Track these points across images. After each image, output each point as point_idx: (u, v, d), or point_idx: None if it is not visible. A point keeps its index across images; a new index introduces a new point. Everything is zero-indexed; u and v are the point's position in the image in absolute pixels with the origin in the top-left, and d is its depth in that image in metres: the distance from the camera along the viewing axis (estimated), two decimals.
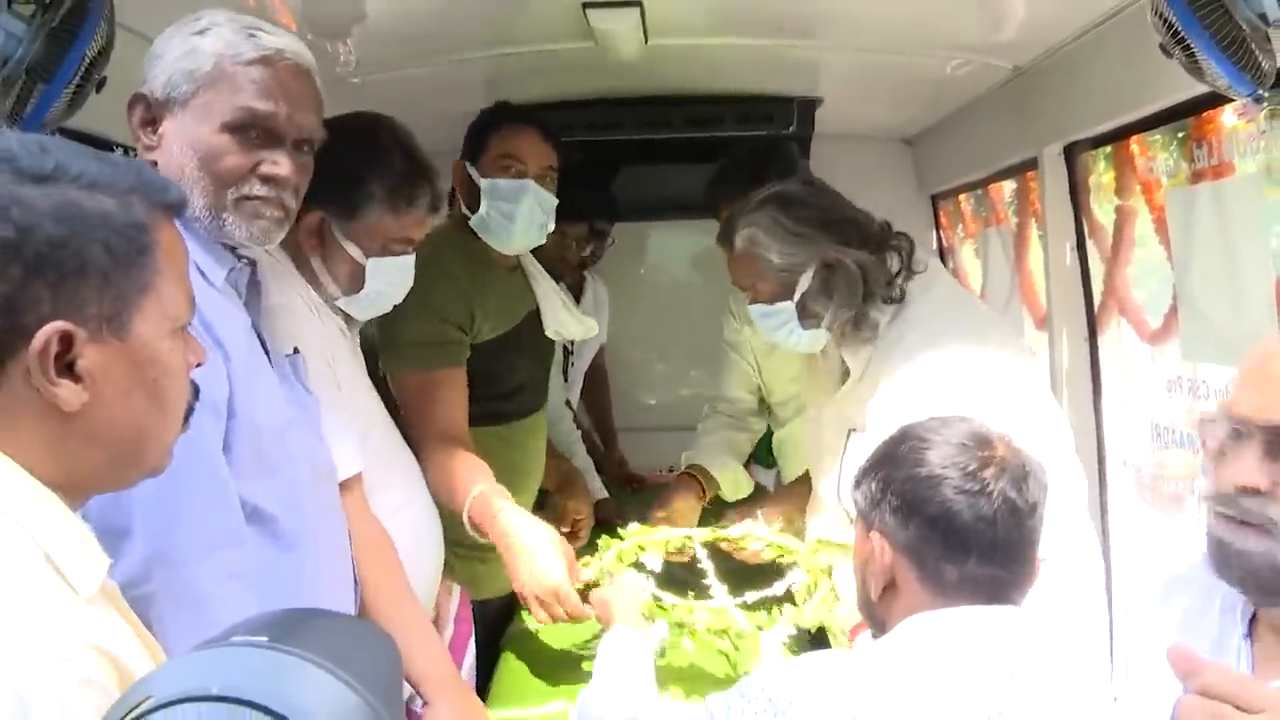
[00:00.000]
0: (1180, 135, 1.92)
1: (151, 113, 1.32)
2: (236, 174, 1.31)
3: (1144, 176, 2.08)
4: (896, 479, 1.23)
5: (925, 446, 1.23)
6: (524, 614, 2.21)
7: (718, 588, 1.95)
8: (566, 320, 2.30)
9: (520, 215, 2.04)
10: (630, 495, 2.99)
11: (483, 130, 2.10)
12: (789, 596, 1.96)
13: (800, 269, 1.78)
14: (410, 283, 1.76)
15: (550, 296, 2.27)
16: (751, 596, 1.94)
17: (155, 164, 1.31)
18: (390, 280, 1.72)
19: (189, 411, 0.93)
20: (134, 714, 0.42)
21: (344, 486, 1.54)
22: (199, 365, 0.94)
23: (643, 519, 2.18)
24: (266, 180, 1.33)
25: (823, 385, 1.98)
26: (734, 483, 2.47)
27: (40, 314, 0.78)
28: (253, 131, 1.32)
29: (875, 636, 1.29)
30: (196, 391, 0.94)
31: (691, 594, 1.94)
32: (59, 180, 0.81)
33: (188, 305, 0.91)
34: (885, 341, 1.79)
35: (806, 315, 1.80)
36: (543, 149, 2.08)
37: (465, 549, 2.02)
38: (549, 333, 2.28)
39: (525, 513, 1.89)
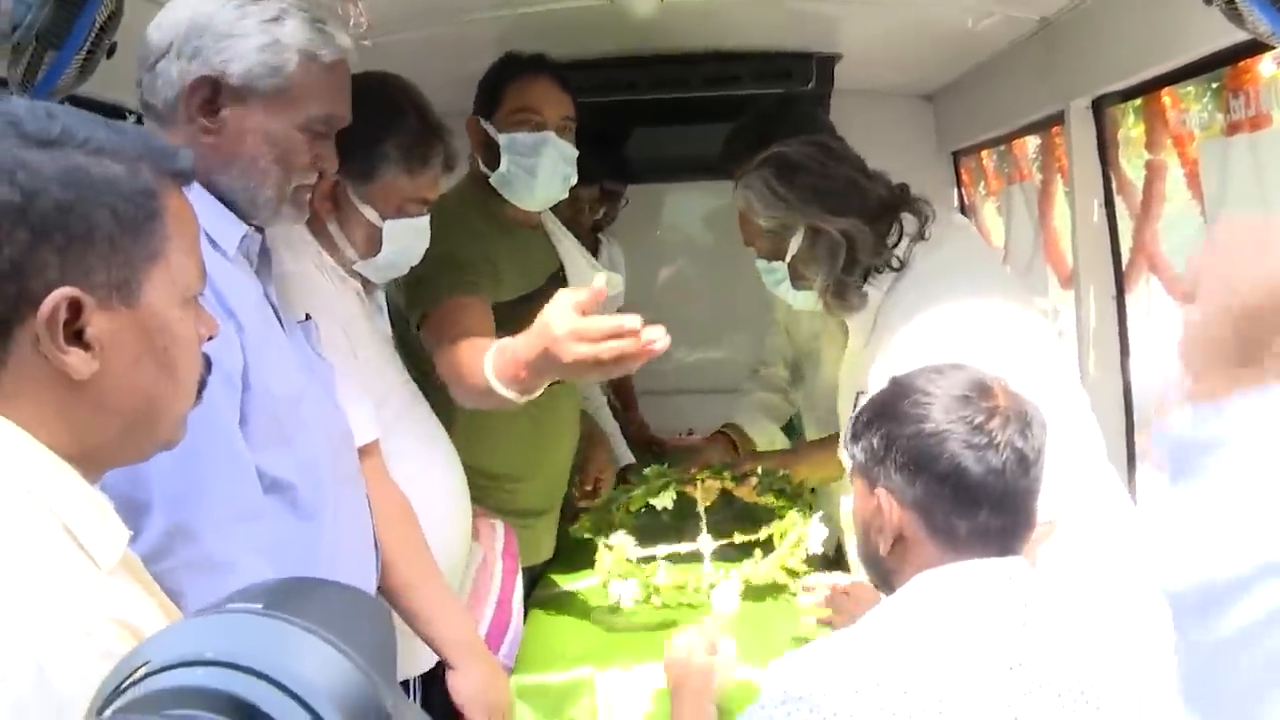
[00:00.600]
0: (1215, 86, 1.87)
1: (217, 96, 1.29)
2: (303, 169, 1.35)
3: (1176, 129, 2.03)
4: (901, 436, 1.21)
5: (928, 401, 1.21)
6: (553, 577, 2.22)
7: (705, 538, 2.07)
8: (592, 277, 2.25)
9: (542, 168, 1.99)
10: (653, 460, 2.96)
11: (496, 83, 2.04)
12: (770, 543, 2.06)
13: (788, 232, 1.81)
14: (426, 243, 1.73)
15: (574, 254, 2.24)
16: (739, 539, 2.04)
17: (210, 148, 1.29)
18: (407, 242, 1.70)
19: (202, 384, 0.92)
20: (130, 680, 0.41)
21: (362, 453, 1.53)
22: (211, 338, 0.93)
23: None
24: (317, 171, 1.37)
25: (838, 346, 1.99)
26: (769, 444, 2.45)
27: (48, 280, 0.77)
28: (318, 129, 1.35)
29: (881, 589, 1.30)
30: (209, 364, 0.93)
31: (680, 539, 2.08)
32: (65, 145, 0.79)
33: (198, 275, 0.89)
34: (887, 304, 1.79)
35: (797, 277, 1.84)
36: (560, 98, 2.03)
37: (504, 514, 2.01)
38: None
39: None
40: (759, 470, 2.23)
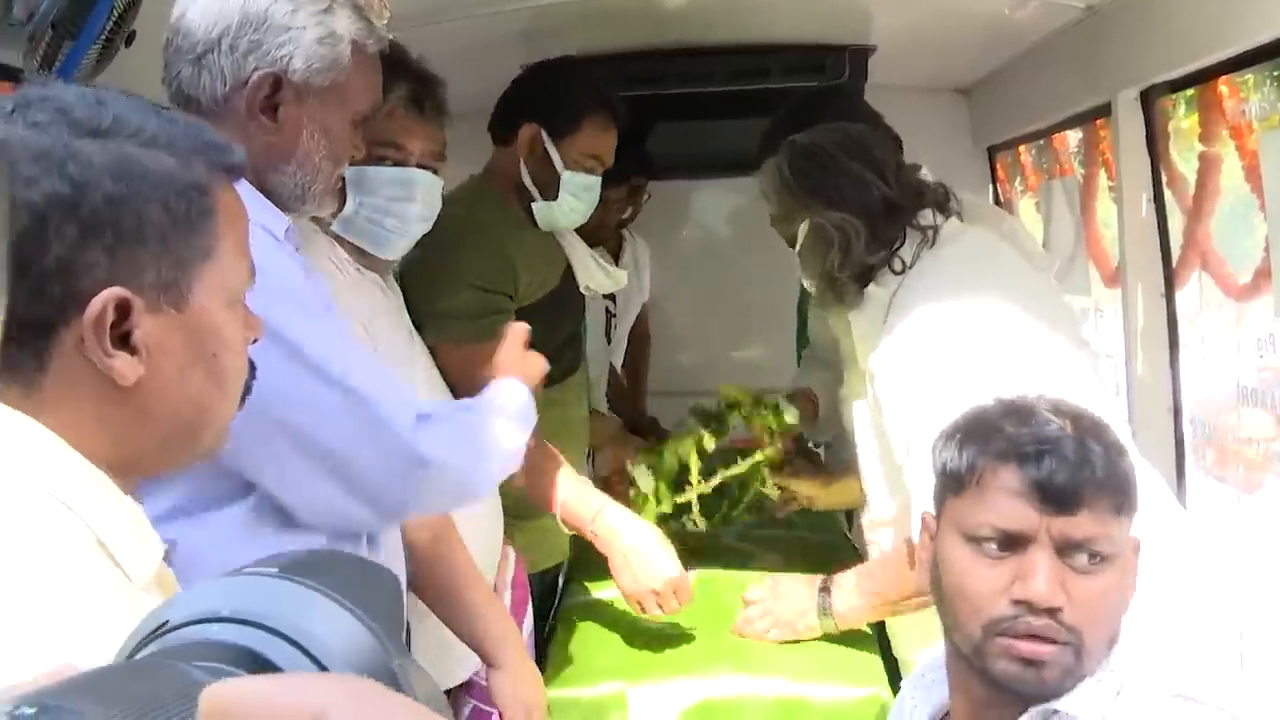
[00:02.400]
0: (1277, 74, 1.78)
1: (279, 93, 1.22)
2: (348, 160, 1.31)
3: (1233, 120, 1.95)
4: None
5: None
6: (584, 584, 2.17)
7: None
8: (596, 273, 2.22)
9: (585, 209, 2.02)
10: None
11: (577, 110, 1.98)
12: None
13: (794, 222, 1.81)
14: (416, 203, 1.59)
15: (579, 250, 2.19)
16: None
17: (269, 146, 1.23)
18: (381, 194, 1.56)
19: (246, 389, 0.86)
20: (150, 637, 0.43)
21: None
22: (255, 341, 0.87)
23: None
24: (350, 160, 1.33)
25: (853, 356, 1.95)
26: (827, 419, 2.37)
27: (96, 279, 0.72)
28: (363, 120, 1.31)
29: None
30: (253, 369, 0.87)
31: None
32: (117, 135, 0.74)
33: (247, 275, 0.84)
34: (894, 306, 1.73)
35: (803, 268, 1.85)
36: (614, 146, 2.04)
37: (522, 520, 1.96)
38: (581, 287, 2.21)
39: (624, 509, 1.88)
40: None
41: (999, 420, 1.06)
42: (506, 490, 1.80)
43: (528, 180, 1.99)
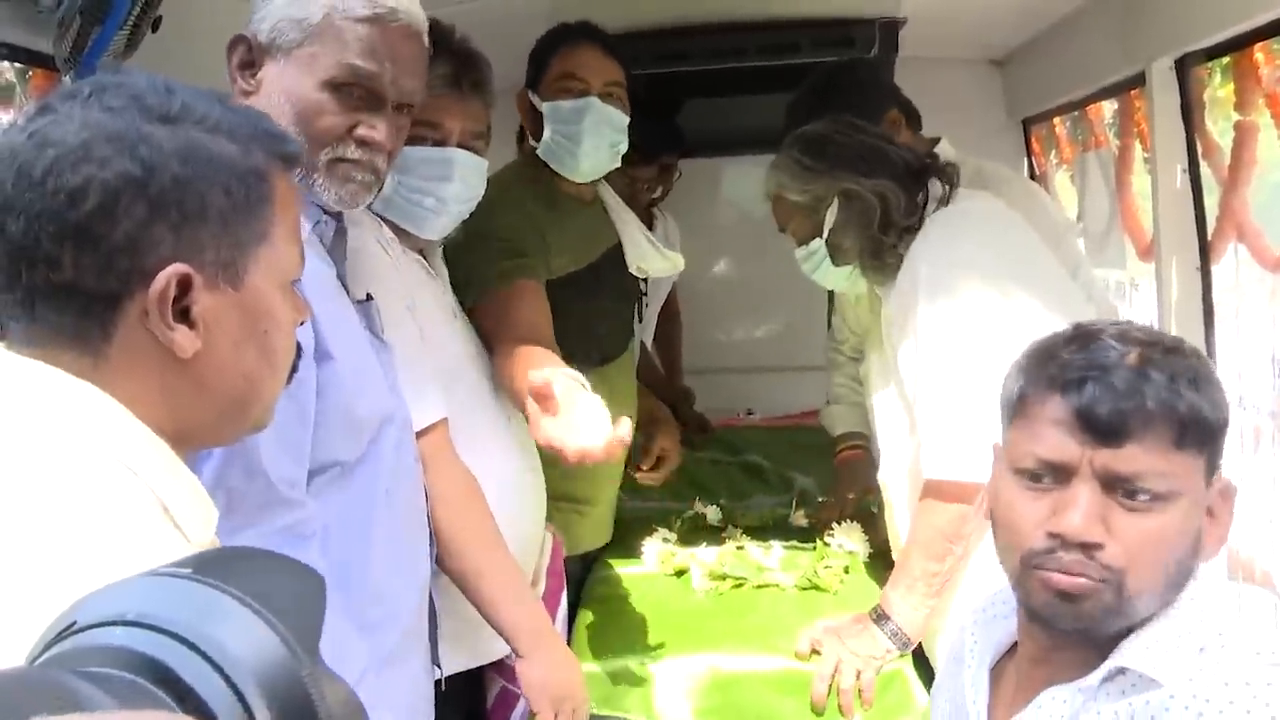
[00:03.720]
0: None
1: (252, 55, 1.26)
2: (333, 134, 1.26)
3: (1270, 88, 1.90)
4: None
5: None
6: (609, 562, 2.19)
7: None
8: (650, 254, 2.17)
9: (586, 136, 1.91)
10: (697, 444, 2.89)
11: (542, 53, 1.98)
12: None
13: (822, 204, 1.82)
14: (456, 182, 1.59)
15: (632, 230, 2.16)
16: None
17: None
18: (420, 173, 1.57)
19: (293, 369, 0.91)
20: (58, 639, 0.43)
21: (427, 433, 1.48)
22: (302, 323, 0.91)
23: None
24: (361, 143, 1.27)
25: (877, 338, 1.95)
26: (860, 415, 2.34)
27: (160, 255, 0.76)
28: (354, 91, 1.26)
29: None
30: (300, 350, 0.92)
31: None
32: (184, 121, 0.78)
33: (299, 260, 0.88)
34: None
35: (836, 252, 1.85)
36: (604, 63, 1.95)
37: (564, 502, 1.96)
38: (632, 269, 2.16)
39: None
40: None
41: (1058, 347, 1.01)
42: (551, 474, 1.81)
43: (529, 137, 1.99)
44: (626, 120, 1.96)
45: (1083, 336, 1.01)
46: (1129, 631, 0.97)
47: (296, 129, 1.23)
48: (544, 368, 1.41)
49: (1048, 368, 1.00)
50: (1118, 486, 0.95)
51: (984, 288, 1.67)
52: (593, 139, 1.92)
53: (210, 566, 0.44)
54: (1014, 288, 1.68)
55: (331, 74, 1.24)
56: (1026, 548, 0.98)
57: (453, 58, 1.59)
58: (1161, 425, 0.94)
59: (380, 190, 1.37)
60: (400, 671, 1.34)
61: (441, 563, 1.51)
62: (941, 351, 1.67)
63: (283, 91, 1.24)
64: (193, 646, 0.40)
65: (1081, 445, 0.96)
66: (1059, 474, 0.97)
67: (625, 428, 1.31)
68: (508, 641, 1.54)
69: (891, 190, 1.79)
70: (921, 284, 1.70)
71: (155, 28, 1.39)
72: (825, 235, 1.84)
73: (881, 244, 1.80)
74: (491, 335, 1.75)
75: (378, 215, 1.60)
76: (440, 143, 1.58)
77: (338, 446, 1.25)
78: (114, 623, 0.41)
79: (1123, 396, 0.94)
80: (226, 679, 0.40)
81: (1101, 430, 0.94)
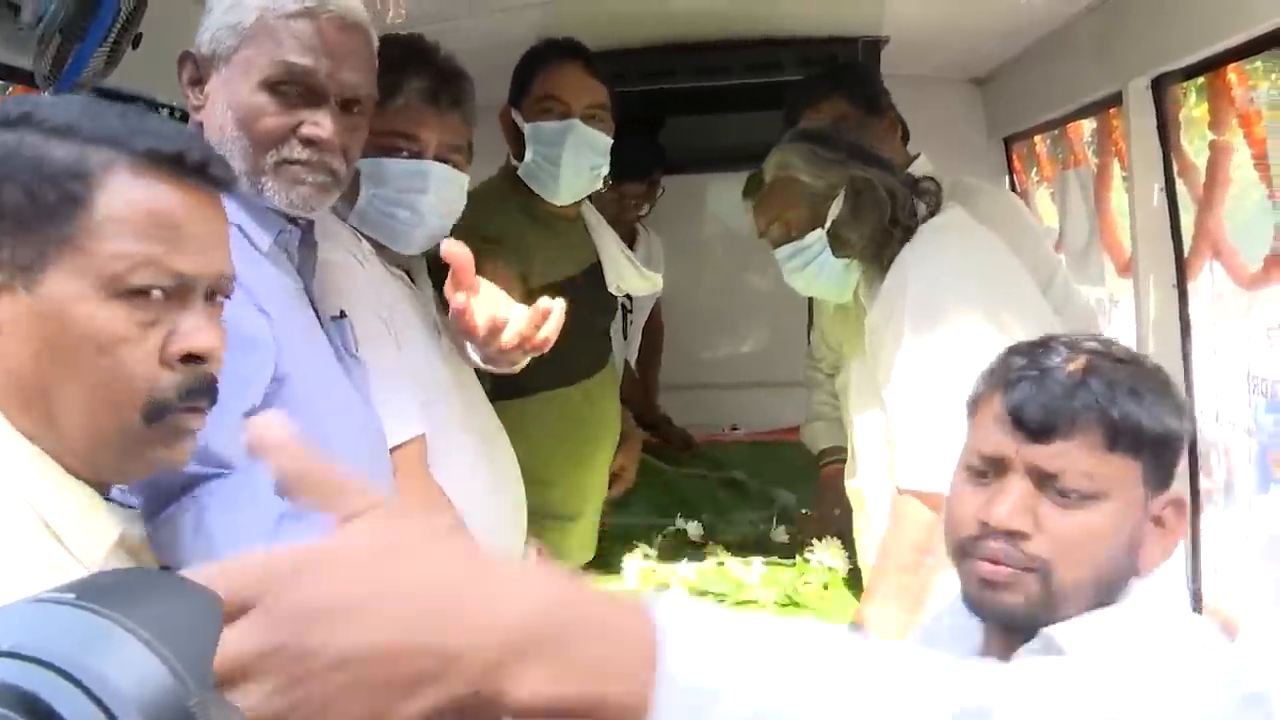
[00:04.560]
0: None
1: (199, 70, 1.26)
2: (275, 135, 1.23)
3: (1243, 108, 1.93)
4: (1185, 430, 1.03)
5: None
6: (595, 576, 2.18)
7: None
8: (629, 273, 2.18)
9: (566, 159, 1.91)
10: (681, 460, 2.90)
11: (525, 71, 1.98)
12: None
13: (831, 191, 1.81)
14: (432, 196, 1.58)
15: (611, 248, 2.17)
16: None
17: (202, 125, 1.26)
18: (393, 185, 1.55)
19: (192, 392, 0.82)
20: None
21: (401, 449, 1.46)
22: (191, 356, 0.82)
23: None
24: (307, 143, 1.24)
25: (859, 345, 1.94)
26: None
27: None
28: (292, 89, 1.23)
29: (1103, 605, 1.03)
30: (210, 385, 0.84)
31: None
32: (21, 125, 0.77)
33: (160, 270, 0.80)
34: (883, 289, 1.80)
35: (838, 244, 1.82)
36: (587, 84, 1.95)
37: (548, 518, 1.96)
38: (610, 287, 2.17)
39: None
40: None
41: (1015, 352, 1.06)
42: (534, 490, 1.80)
43: (513, 157, 1.99)
44: (609, 142, 1.96)
45: (1039, 344, 1.05)
46: None
47: (239, 134, 1.22)
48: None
49: (998, 370, 1.05)
50: (1047, 482, 0.99)
51: (968, 305, 1.69)
52: (573, 162, 1.92)
53: (94, 591, 0.42)
54: (996, 305, 1.70)
55: (266, 74, 1.22)
56: (960, 536, 1.03)
57: (432, 72, 1.58)
58: (1091, 428, 0.97)
59: (340, 191, 1.34)
60: None
61: None
62: (922, 363, 1.69)
63: (225, 100, 1.23)
64: (71, 678, 0.38)
65: (1015, 441, 1.00)
66: (996, 468, 1.02)
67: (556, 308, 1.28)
68: None
69: (899, 188, 1.82)
70: (909, 296, 1.72)
71: (136, 45, 1.39)
72: (828, 226, 1.82)
73: (889, 237, 1.80)
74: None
75: (356, 229, 1.59)
76: (416, 155, 1.57)
77: None
78: None
79: (1054, 397, 0.99)
80: (107, 713, 0.38)
81: (1031, 427, 0.99)
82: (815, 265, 1.86)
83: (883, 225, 1.80)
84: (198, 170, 0.83)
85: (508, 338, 1.26)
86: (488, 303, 1.27)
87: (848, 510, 2.21)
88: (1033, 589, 0.98)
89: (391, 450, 1.44)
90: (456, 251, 1.23)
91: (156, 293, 0.79)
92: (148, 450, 0.81)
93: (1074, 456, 0.97)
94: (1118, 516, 0.98)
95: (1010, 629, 1.01)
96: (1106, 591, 0.99)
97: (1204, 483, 2.15)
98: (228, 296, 0.88)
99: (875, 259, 1.82)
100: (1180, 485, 1.70)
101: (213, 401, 0.84)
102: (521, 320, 1.27)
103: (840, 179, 1.81)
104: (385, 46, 1.47)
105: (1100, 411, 0.97)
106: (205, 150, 0.84)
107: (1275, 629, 1.29)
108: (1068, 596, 0.98)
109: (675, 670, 0.48)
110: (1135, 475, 0.99)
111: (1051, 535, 0.98)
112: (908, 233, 1.80)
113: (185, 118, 1.86)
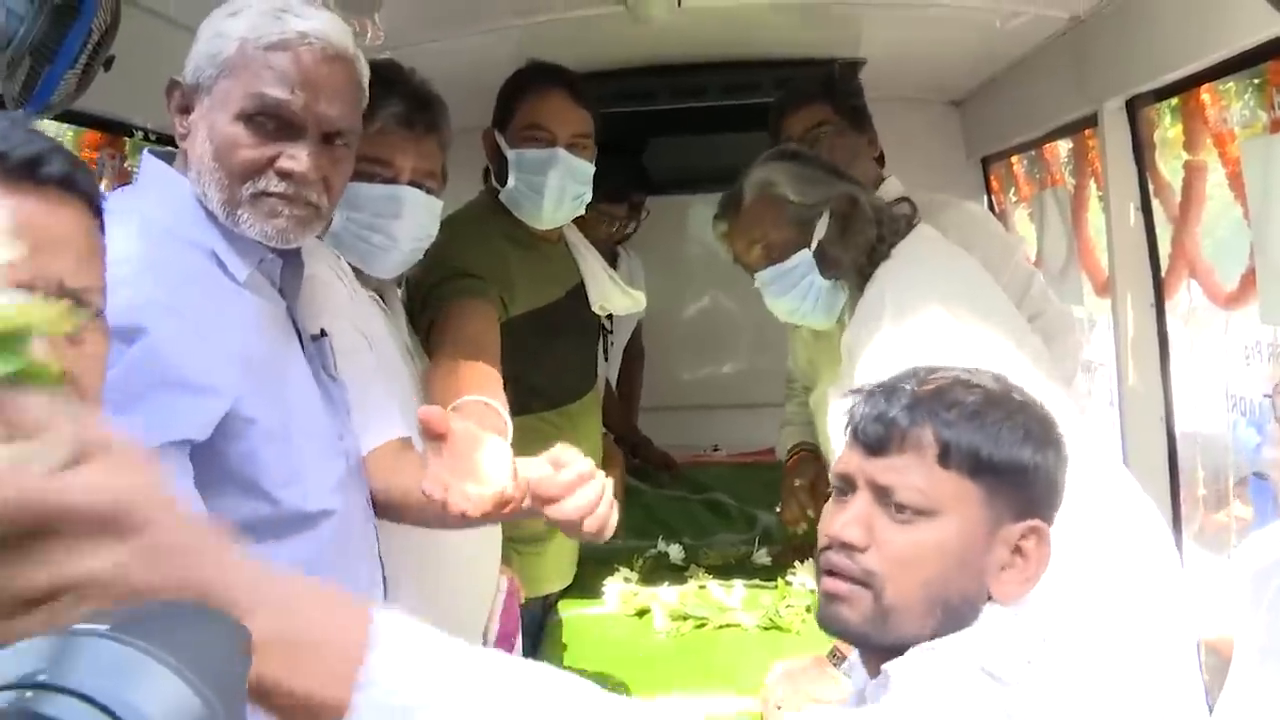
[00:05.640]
0: (1257, 82, 1.78)
1: (185, 100, 1.24)
2: (251, 168, 1.20)
3: (1216, 128, 1.94)
4: (1061, 456, 1.03)
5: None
6: (574, 601, 2.16)
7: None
8: (613, 292, 2.17)
9: (550, 188, 1.90)
10: (662, 482, 2.89)
11: (510, 95, 1.97)
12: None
13: (817, 210, 1.77)
14: (408, 221, 1.57)
15: (595, 268, 2.15)
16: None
17: (187, 152, 1.24)
18: (368, 210, 1.54)
19: None
20: None
21: (387, 450, 1.42)
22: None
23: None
24: (284, 175, 1.21)
25: (833, 365, 1.91)
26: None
27: None
28: (269, 122, 1.20)
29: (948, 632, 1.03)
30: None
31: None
32: None
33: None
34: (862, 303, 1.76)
35: (826, 264, 1.77)
36: (574, 114, 1.94)
37: (521, 544, 1.93)
38: (595, 307, 2.16)
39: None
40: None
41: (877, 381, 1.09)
42: (509, 534, 1.78)
43: (493, 179, 1.98)
44: (591, 170, 1.96)
45: (907, 373, 1.07)
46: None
47: (216, 165, 1.20)
48: (470, 393, 1.38)
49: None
50: (884, 497, 1.00)
51: (943, 321, 1.66)
52: (556, 191, 1.92)
53: (127, 622, 0.42)
54: (975, 316, 1.68)
55: (242, 106, 1.20)
56: (818, 552, 1.05)
57: (406, 96, 1.57)
58: (923, 444, 0.99)
59: (325, 225, 1.32)
60: None
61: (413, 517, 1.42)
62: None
63: (205, 131, 1.21)
64: (105, 709, 0.39)
65: (858, 456, 1.03)
66: (848, 485, 1.04)
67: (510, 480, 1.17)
68: None
69: (882, 204, 1.80)
70: (886, 313, 1.69)
71: (108, 67, 1.38)
72: (814, 246, 1.77)
73: (875, 254, 1.75)
74: (435, 350, 1.69)
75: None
76: (391, 180, 1.56)
77: (257, 503, 1.20)
78: (21, 685, 0.39)
79: (890, 413, 1.01)
80: None
81: (868, 442, 1.02)
82: (800, 289, 1.80)
83: (870, 243, 1.76)
84: (25, 169, 0.79)
85: (477, 510, 1.15)
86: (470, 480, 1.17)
87: (817, 482, 2.18)
88: (865, 604, 0.99)
89: (380, 448, 1.40)
90: (429, 418, 1.17)
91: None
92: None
93: (906, 471, 0.99)
94: (953, 537, 0.99)
95: (833, 635, 1.05)
96: (945, 614, 0.99)
97: (1184, 501, 2.15)
98: (96, 311, 0.82)
99: (859, 278, 1.78)
100: (1158, 503, 1.71)
101: None
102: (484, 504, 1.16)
103: (825, 196, 1.77)
104: (373, 67, 1.44)
105: (930, 430, 0.99)
106: (41, 149, 0.79)
107: (1256, 674, 1.28)
108: (899, 613, 0.98)
109: (378, 678, 0.54)
110: (974, 496, 0.99)
111: (884, 550, 0.99)
112: (888, 250, 1.77)
113: (161, 141, 1.88)
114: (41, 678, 0.39)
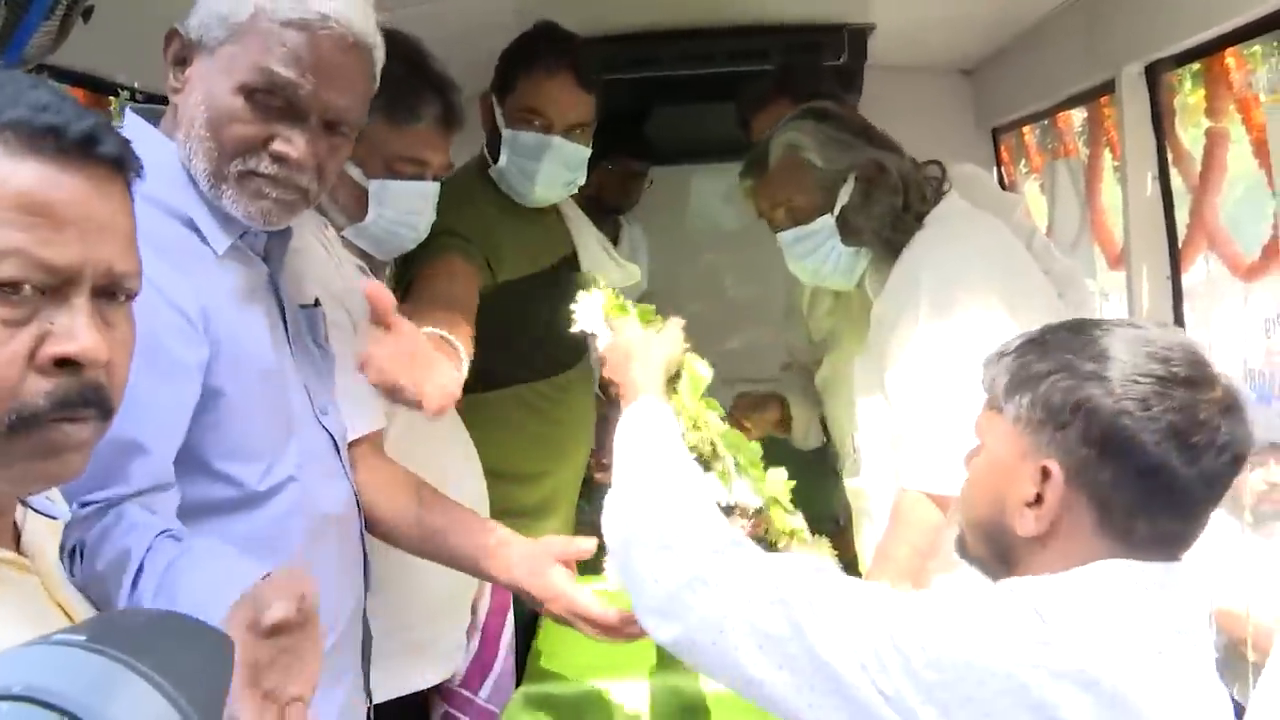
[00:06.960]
0: None
1: (184, 51, 1.18)
2: (244, 145, 1.15)
3: (1241, 93, 1.88)
4: (1102, 410, 0.98)
5: (1143, 379, 0.98)
6: None
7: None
8: (606, 265, 2.12)
9: (541, 174, 1.88)
10: None
11: (513, 64, 1.90)
12: None
13: (841, 176, 1.73)
14: (429, 213, 1.60)
15: (588, 239, 2.12)
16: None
17: (178, 107, 1.19)
18: (400, 206, 1.56)
19: (69, 403, 0.72)
20: None
21: (360, 443, 1.41)
22: (67, 361, 0.72)
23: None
24: (277, 158, 1.16)
25: (857, 330, 1.87)
26: (804, 431, 2.32)
27: None
28: (271, 100, 1.15)
29: (992, 576, 1.07)
30: (94, 392, 0.74)
31: None
32: None
33: (26, 263, 0.70)
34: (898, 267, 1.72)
35: (847, 230, 1.74)
36: (575, 100, 1.88)
37: (514, 517, 1.89)
38: None
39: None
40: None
41: None
42: (497, 487, 1.76)
43: (485, 148, 1.94)
44: (586, 154, 1.92)
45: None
46: None
47: (207, 134, 1.15)
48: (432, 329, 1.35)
49: None
50: None
51: (983, 297, 1.61)
52: (547, 176, 1.90)
53: (106, 632, 0.42)
54: (1009, 295, 1.62)
55: (246, 78, 1.14)
56: None
57: (443, 93, 1.59)
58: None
59: (308, 208, 1.26)
60: (327, 699, 1.26)
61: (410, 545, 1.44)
62: (936, 357, 1.60)
63: (202, 93, 1.16)
64: None
65: None
66: None
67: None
68: (516, 591, 1.46)
69: (911, 173, 1.74)
70: (924, 287, 1.64)
71: (87, 18, 1.32)
72: (837, 212, 1.74)
73: (901, 225, 1.72)
74: (410, 302, 1.65)
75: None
76: (421, 177, 1.59)
77: (237, 474, 1.17)
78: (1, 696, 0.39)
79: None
80: None
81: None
82: (822, 252, 1.77)
83: (895, 212, 1.71)
84: (80, 147, 0.73)
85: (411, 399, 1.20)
86: (396, 356, 1.18)
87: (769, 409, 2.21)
88: None
89: (351, 444, 1.38)
90: (377, 294, 1.18)
91: (27, 288, 0.70)
92: (20, 463, 0.72)
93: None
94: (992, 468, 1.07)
95: None
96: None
97: None
98: (131, 296, 0.78)
99: (885, 247, 1.74)
100: None
101: (102, 412, 0.74)
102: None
103: (851, 163, 1.73)
104: (413, 62, 1.51)
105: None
106: (94, 125, 0.74)
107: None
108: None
109: None
110: (999, 424, 1.06)
111: None
112: (919, 220, 1.72)
113: (149, 100, 1.82)
114: (20, 688, 0.39)
